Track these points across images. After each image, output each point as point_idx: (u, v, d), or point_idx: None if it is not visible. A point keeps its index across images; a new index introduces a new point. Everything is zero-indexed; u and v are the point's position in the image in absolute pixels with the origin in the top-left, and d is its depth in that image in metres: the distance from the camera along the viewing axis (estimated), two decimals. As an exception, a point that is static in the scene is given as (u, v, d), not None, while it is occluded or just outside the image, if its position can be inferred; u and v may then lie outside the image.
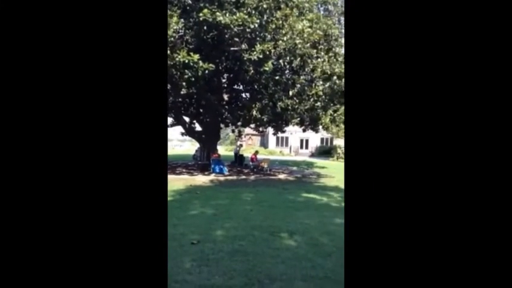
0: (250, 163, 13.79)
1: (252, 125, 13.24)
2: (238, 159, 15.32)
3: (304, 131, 13.35)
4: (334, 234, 4.11)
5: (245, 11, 7.95)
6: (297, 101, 9.98)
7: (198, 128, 14.21)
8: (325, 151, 27.21)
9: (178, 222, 4.45)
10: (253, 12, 8.09)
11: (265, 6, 8.26)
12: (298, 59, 9.29)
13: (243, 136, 21.69)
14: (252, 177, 10.98)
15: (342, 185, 9.24)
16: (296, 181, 10.43)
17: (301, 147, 30.19)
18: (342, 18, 13.30)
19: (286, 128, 13.59)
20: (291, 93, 9.71)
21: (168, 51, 7.46)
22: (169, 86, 8.92)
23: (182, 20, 7.91)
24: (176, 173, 11.39)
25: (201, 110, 13.17)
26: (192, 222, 4.45)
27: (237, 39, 8.43)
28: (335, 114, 11.05)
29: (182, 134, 15.20)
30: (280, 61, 9.25)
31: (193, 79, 8.13)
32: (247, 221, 4.65)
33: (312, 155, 27.79)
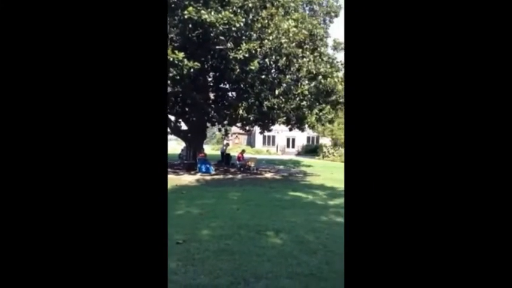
0: (237, 162, 13.76)
1: (239, 124, 13.21)
2: (225, 158, 15.26)
3: (290, 130, 13.43)
4: (319, 231, 4.16)
5: (231, 10, 7.92)
6: (283, 100, 10.02)
7: (183, 127, 14.07)
8: (311, 150, 27.47)
9: (163, 222, 4.40)
10: (239, 11, 8.06)
11: (250, 5, 8.25)
12: (284, 58, 9.33)
13: (229, 135, 21.62)
14: (239, 176, 10.97)
15: (327, 183, 9.37)
16: (282, 180, 10.49)
17: (288, 146, 30.37)
18: (327, 18, 13.46)
19: (272, 127, 13.63)
20: (277, 92, 9.74)
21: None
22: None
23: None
24: (162, 172, 11.23)
25: (187, 109, 13.04)
26: (177, 222, 4.40)
27: (222, 38, 8.38)
28: (320, 114, 11.16)
29: (168, 133, 15.04)
30: (266, 60, 9.26)
31: (178, 77, 8.04)
32: (233, 220, 4.65)
33: (299, 154, 27.99)
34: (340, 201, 6.58)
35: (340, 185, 9.02)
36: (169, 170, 12.13)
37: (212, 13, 7.65)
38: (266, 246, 3.52)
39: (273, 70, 10.45)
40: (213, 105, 12.38)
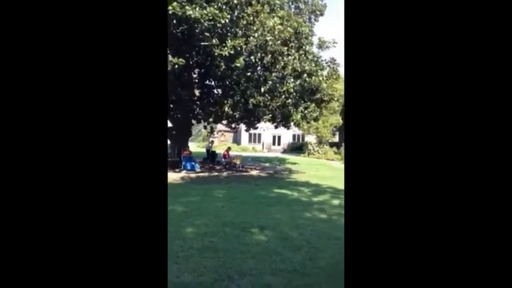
0: (223, 160, 13.72)
1: (224, 122, 13.15)
2: (211, 155, 15.18)
3: (276, 127, 13.48)
4: (303, 228, 4.21)
5: (216, 6, 7.84)
6: (269, 97, 10.04)
7: (168, 124, 13.89)
8: (297, 147, 27.69)
9: (147, 220, 4.34)
10: (224, 7, 8.00)
11: (236, 1, 8.21)
12: (270, 55, 9.34)
13: (215, 132, 21.50)
14: (224, 174, 10.94)
15: (312, 180, 9.47)
16: (268, 177, 10.53)
17: (274, 143, 30.50)
18: (313, 17, 13.55)
19: (258, 125, 13.65)
20: (262, 89, 9.75)
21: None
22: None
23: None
24: (146, 170, 11.07)
25: (172, 106, 12.87)
26: (161, 221, 4.35)
27: (207, 34, 8.29)
28: (306, 111, 11.24)
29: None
30: (252, 57, 9.24)
31: (162, 74, 7.91)
32: (218, 218, 4.64)
33: (284, 151, 28.18)
34: (325, 197, 6.68)
35: (324, 182, 9.14)
36: (153, 167, 11.94)
37: (197, 9, 7.56)
38: (250, 243, 3.53)
39: (259, 67, 10.44)
40: (198, 102, 12.26)
